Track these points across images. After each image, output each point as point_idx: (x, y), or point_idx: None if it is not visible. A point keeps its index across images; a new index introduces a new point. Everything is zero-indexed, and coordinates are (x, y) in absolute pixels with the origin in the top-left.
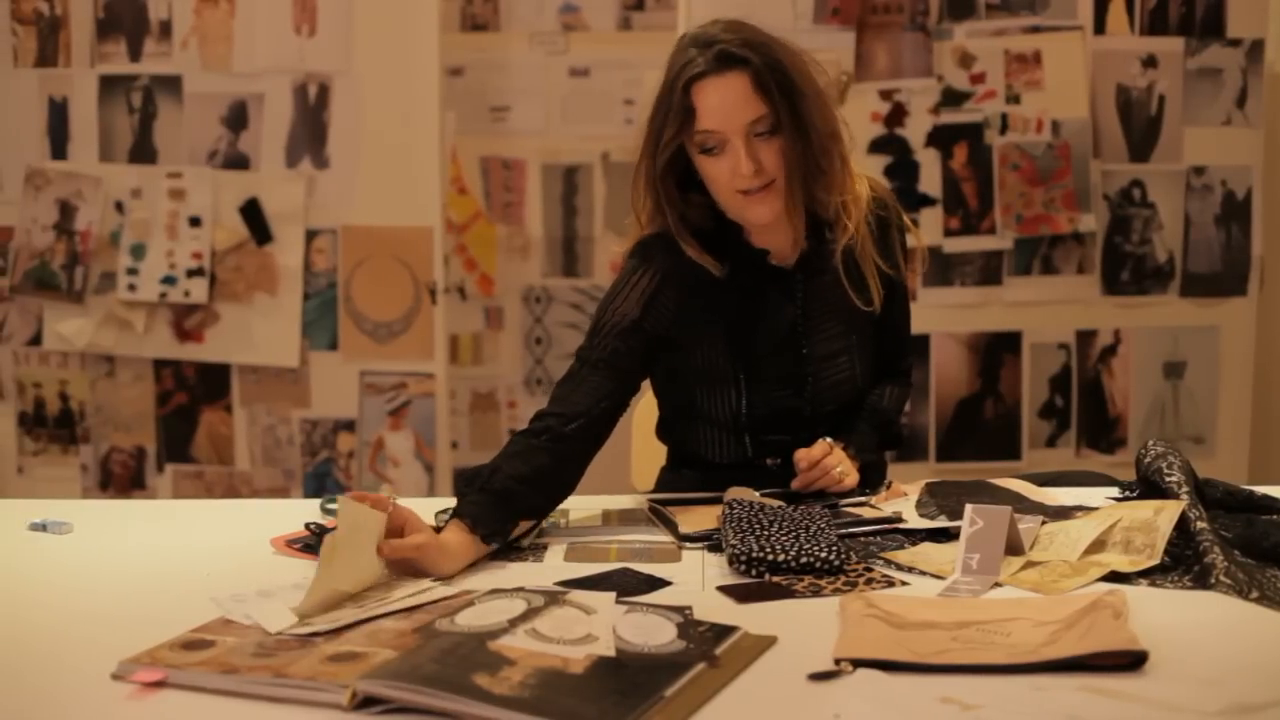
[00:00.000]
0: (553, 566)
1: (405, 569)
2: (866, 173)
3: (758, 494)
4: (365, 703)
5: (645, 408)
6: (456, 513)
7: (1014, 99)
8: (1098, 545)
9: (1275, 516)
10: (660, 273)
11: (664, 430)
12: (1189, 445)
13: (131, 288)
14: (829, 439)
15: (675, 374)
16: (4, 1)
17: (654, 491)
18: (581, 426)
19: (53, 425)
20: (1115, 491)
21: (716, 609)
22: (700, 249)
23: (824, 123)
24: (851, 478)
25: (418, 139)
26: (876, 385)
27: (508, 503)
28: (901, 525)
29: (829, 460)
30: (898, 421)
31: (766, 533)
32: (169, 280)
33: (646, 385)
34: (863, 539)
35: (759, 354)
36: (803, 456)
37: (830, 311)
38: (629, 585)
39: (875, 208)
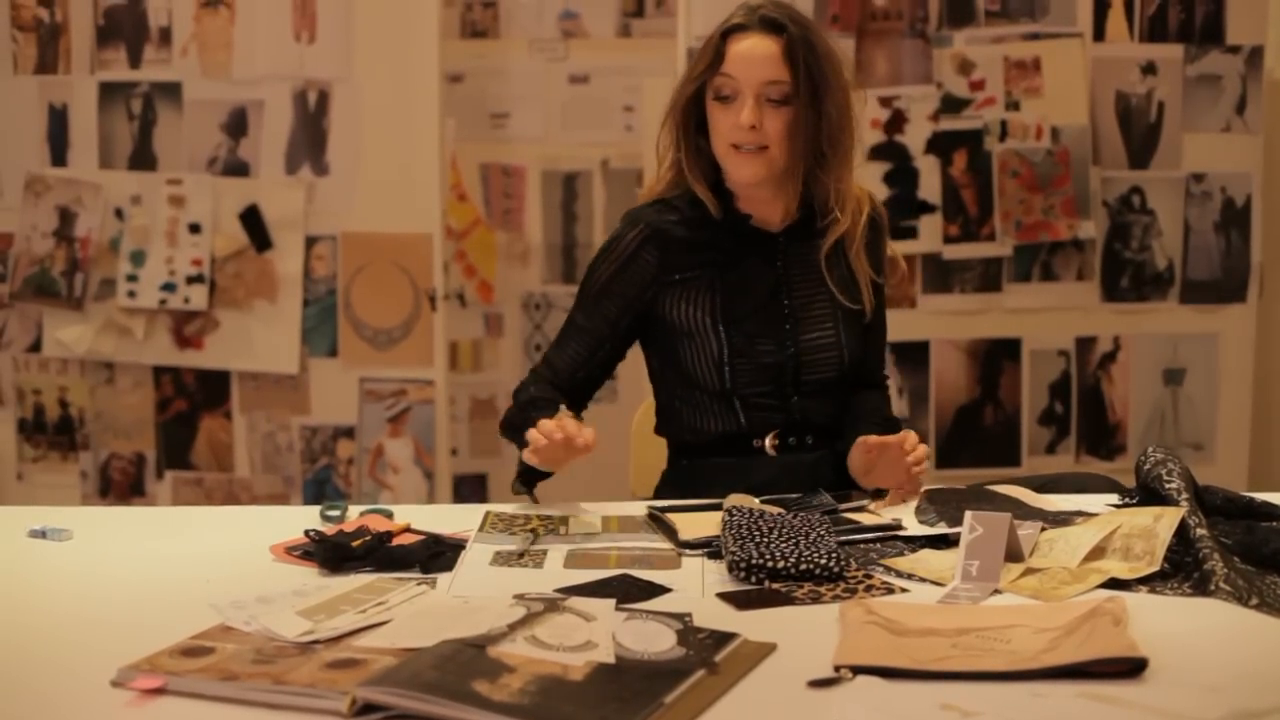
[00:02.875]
0: (552, 573)
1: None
2: (861, 182)
3: (757, 501)
4: (365, 709)
5: (644, 412)
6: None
7: (1013, 106)
8: (1097, 552)
9: (1275, 523)
10: (642, 235)
11: (661, 419)
12: (1188, 452)
13: (131, 294)
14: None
15: (661, 337)
16: (4, 8)
17: (656, 490)
18: (567, 390)
19: (52, 432)
20: (1114, 498)
21: (716, 616)
22: (706, 187)
23: (839, 115)
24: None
25: (417, 146)
26: (860, 394)
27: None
28: (901, 532)
29: (922, 448)
30: (896, 420)
31: (766, 539)
32: (169, 287)
33: (648, 389)
34: (862, 546)
35: (741, 310)
36: (912, 443)
37: (813, 279)
38: (629, 592)
39: (872, 212)
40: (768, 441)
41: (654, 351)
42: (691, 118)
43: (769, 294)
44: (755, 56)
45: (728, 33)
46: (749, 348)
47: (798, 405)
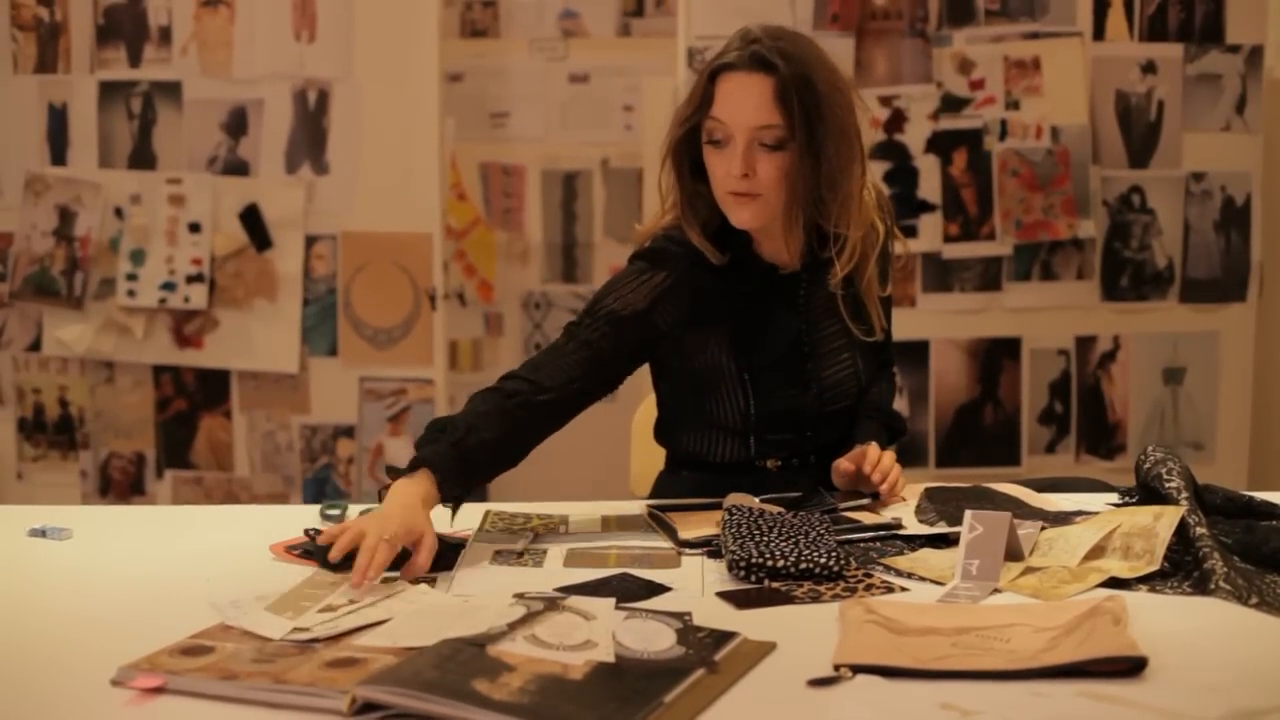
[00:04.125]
0: (552, 572)
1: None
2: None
3: (757, 500)
4: (365, 708)
5: (644, 411)
6: (425, 461)
7: (1013, 105)
8: (1097, 551)
9: (1274, 522)
10: (672, 275)
11: (662, 432)
12: (1188, 451)
13: (131, 294)
14: (859, 446)
15: (679, 376)
16: (4, 7)
17: (651, 494)
18: (550, 401)
19: (52, 431)
20: (1114, 497)
21: (716, 615)
22: (702, 235)
23: (838, 157)
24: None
25: (417, 145)
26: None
27: (474, 469)
28: (901, 531)
29: (886, 458)
30: (897, 413)
31: (766, 538)
32: (168, 286)
33: (648, 388)
34: (862, 545)
35: (764, 358)
36: (870, 462)
37: (830, 312)
38: (628, 591)
39: (884, 244)
40: (770, 462)
41: (669, 387)
42: (686, 159)
43: (792, 340)
44: (745, 99)
45: (716, 72)
46: (773, 396)
47: (812, 439)
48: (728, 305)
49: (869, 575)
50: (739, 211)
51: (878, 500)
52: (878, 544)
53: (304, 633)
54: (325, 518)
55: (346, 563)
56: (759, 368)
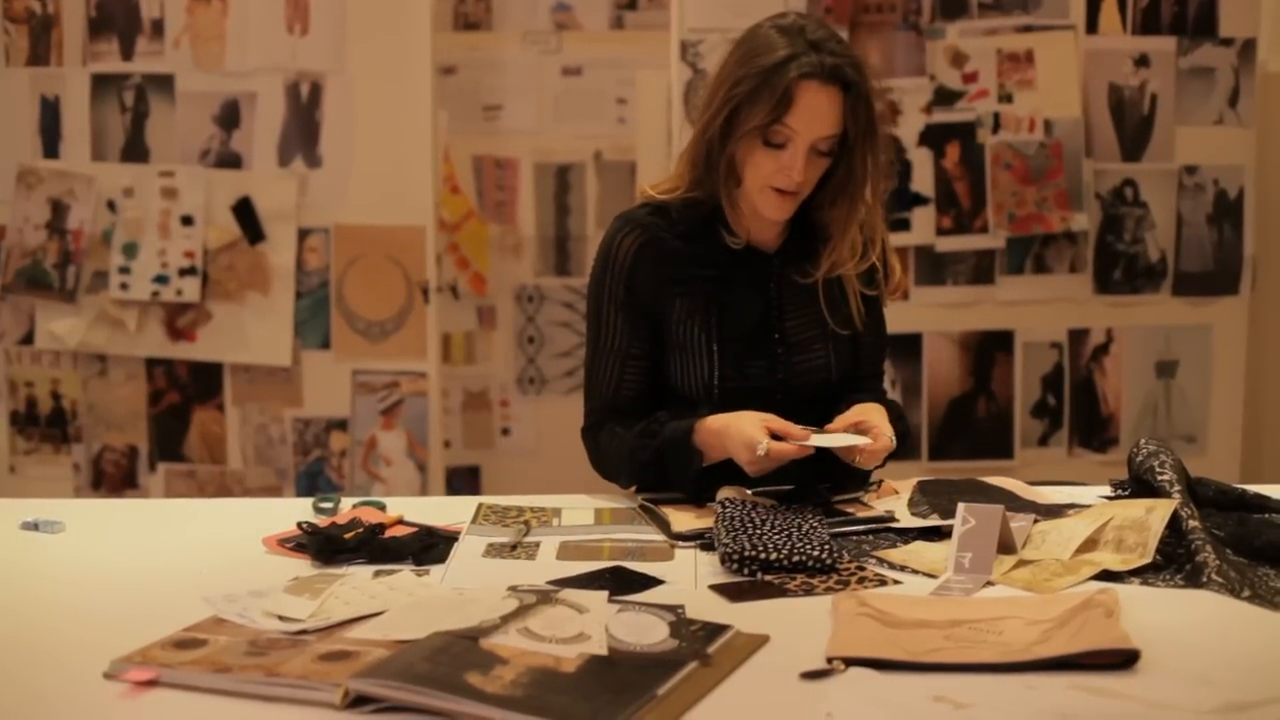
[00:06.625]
0: (545, 565)
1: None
2: None
3: (750, 492)
4: (358, 701)
5: None
6: (677, 430)
7: (1006, 98)
8: (1090, 544)
9: (1267, 515)
10: (639, 240)
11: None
12: (1181, 444)
13: (124, 287)
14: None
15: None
16: None
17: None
18: (647, 413)
19: (45, 424)
20: (1107, 490)
21: (709, 608)
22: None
23: (884, 161)
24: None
25: (410, 138)
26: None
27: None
28: (894, 524)
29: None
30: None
31: (759, 531)
32: (161, 279)
33: None
34: (855, 538)
35: (733, 330)
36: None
37: (806, 302)
38: (621, 584)
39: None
40: None
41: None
42: (732, 144)
43: (761, 317)
44: (823, 113)
45: (796, 79)
46: (739, 371)
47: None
48: (698, 274)
49: (862, 568)
50: (780, 208)
51: (870, 492)
52: (870, 537)
53: (295, 624)
54: (318, 511)
55: (336, 557)
56: (728, 340)
